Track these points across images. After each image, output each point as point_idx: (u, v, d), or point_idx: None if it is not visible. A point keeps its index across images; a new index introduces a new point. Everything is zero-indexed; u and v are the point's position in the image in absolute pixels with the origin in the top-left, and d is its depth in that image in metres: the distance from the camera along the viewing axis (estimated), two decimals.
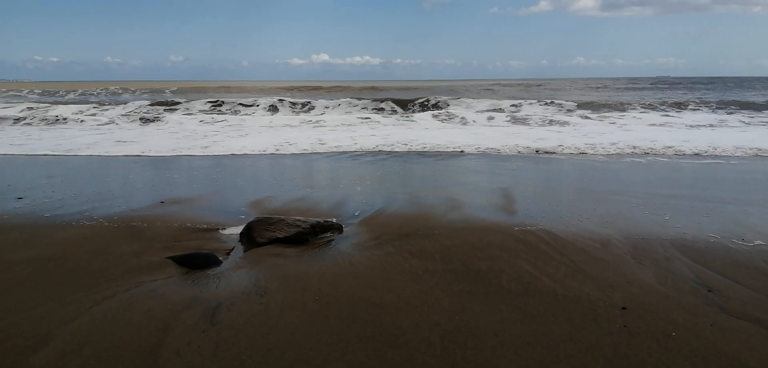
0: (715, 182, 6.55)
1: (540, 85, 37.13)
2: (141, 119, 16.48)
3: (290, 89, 32.00)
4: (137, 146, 10.46)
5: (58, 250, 3.79)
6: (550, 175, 7.29)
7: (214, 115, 17.77)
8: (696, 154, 8.87)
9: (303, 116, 17.55)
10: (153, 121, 16.31)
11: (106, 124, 15.65)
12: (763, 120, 14.92)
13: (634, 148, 9.57)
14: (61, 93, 29.99)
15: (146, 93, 30.13)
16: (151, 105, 19.00)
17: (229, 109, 18.91)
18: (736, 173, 7.18)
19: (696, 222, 4.47)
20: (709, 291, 3.03)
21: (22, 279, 3.27)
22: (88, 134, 13.02)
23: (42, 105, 19.14)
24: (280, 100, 19.72)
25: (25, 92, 31.48)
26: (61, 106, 18.84)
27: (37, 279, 3.27)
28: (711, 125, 14.00)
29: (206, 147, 10.36)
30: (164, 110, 18.24)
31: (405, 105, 19.09)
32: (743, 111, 17.30)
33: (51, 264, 3.51)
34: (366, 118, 16.27)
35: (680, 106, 19.06)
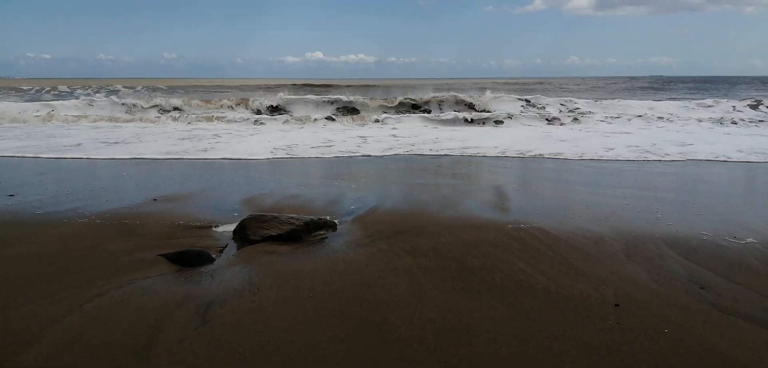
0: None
1: (547, 86, 36.77)
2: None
3: (284, 86, 31.82)
4: (128, 148, 10.39)
5: (49, 247, 3.76)
6: (546, 176, 7.31)
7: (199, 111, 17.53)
8: None
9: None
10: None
11: (100, 122, 15.55)
12: None
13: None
14: (47, 89, 29.67)
15: (138, 90, 29.84)
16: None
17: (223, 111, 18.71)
18: None
19: (688, 220, 4.49)
20: (701, 288, 3.05)
21: (13, 276, 3.24)
22: (79, 133, 12.92)
23: (33, 102, 18.94)
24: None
25: (14, 88, 31.18)
26: (55, 103, 18.64)
27: (29, 276, 3.24)
28: None
29: (204, 149, 10.31)
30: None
31: (407, 104, 18.76)
32: None
33: (42, 261, 3.48)
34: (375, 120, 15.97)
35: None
